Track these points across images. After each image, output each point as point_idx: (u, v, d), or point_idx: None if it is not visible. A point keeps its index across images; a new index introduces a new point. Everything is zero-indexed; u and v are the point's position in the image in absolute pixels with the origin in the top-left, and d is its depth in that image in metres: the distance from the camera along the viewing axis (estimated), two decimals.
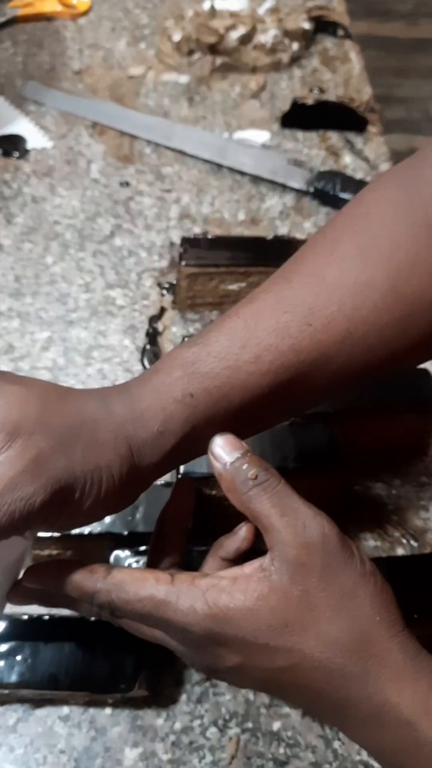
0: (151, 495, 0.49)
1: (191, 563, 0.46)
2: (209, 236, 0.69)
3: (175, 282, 0.68)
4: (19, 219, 0.74)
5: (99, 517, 0.34)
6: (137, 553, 0.47)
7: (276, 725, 0.46)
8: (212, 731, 0.45)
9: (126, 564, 0.46)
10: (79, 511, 0.32)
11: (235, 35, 0.88)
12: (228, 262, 0.64)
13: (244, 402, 0.34)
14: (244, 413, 0.34)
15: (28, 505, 0.29)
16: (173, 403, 0.33)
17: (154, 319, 0.66)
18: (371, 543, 0.53)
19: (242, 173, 0.79)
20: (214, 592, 0.31)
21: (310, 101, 0.84)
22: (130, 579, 0.32)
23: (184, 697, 0.46)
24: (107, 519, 0.48)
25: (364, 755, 0.45)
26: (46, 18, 0.97)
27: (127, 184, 0.78)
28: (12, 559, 0.35)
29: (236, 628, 0.31)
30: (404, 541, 0.53)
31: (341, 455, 0.52)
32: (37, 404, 0.31)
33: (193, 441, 0.34)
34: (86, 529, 0.48)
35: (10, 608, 0.36)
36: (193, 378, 0.33)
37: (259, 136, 0.83)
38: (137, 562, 0.47)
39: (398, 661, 0.31)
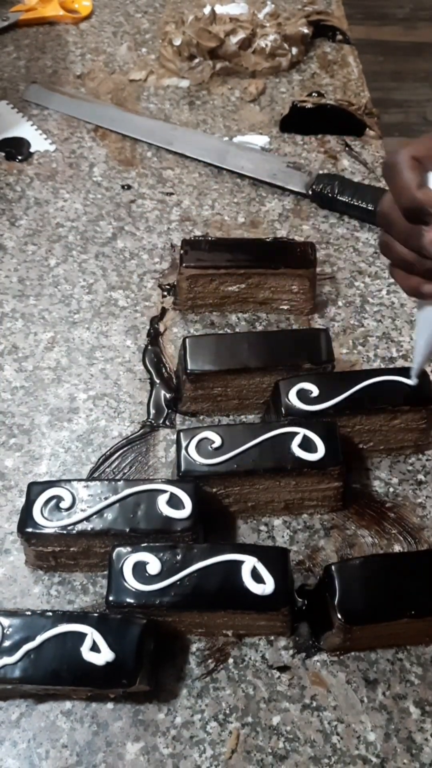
0: (147, 496, 0.50)
1: (192, 560, 0.47)
2: (210, 238, 0.70)
3: (175, 283, 0.68)
4: (23, 221, 0.75)
5: None
6: (138, 550, 0.47)
7: (275, 720, 0.46)
8: (212, 726, 0.46)
9: (126, 560, 0.47)
10: None
11: (235, 40, 0.89)
12: (228, 264, 0.64)
13: None
14: None
15: None
16: None
17: (155, 320, 0.67)
18: (369, 540, 0.54)
19: (242, 176, 0.80)
20: None
21: (309, 105, 0.85)
22: None
23: (184, 691, 0.47)
24: (109, 516, 0.49)
25: (363, 749, 0.45)
26: (49, 22, 0.98)
27: (128, 187, 0.79)
28: None
29: None
30: (401, 538, 0.54)
31: (341, 455, 0.52)
32: None
33: None
34: (89, 526, 0.49)
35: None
36: None
37: (259, 139, 0.84)
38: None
39: None
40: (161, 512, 0.49)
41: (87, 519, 0.49)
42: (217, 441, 0.52)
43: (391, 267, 0.47)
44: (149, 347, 0.65)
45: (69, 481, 0.51)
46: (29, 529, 0.49)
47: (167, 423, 0.60)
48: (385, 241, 0.46)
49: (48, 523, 0.49)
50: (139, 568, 0.47)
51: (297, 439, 0.52)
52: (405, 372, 0.57)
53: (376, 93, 0.95)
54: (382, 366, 0.64)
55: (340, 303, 0.69)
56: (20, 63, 0.92)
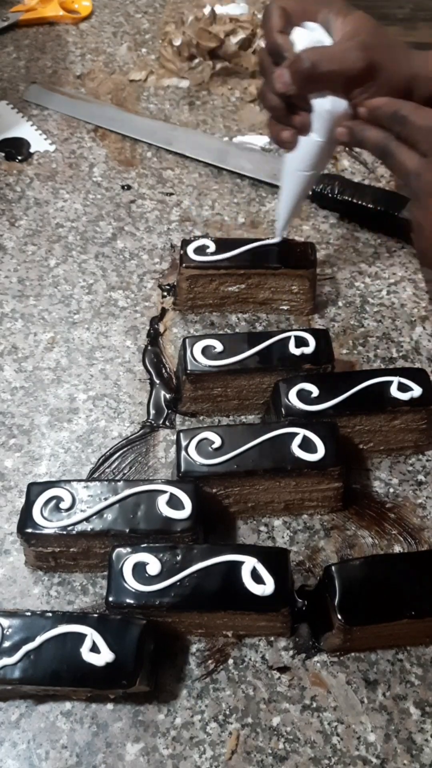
0: (147, 496, 0.50)
1: (192, 560, 0.47)
2: (210, 239, 0.70)
3: (175, 284, 0.68)
4: (23, 222, 0.75)
5: None
6: (138, 550, 0.47)
7: (275, 720, 0.46)
8: (212, 726, 0.46)
9: (126, 560, 0.47)
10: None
11: (235, 40, 0.89)
12: (228, 264, 0.64)
13: None
14: None
15: (354, 61, 0.48)
16: None
17: (155, 320, 0.67)
18: (369, 540, 0.54)
19: (242, 176, 0.80)
20: None
21: None
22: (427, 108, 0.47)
23: (184, 692, 0.47)
24: (109, 516, 0.49)
25: (363, 750, 0.45)
26: (49, 23, 0.98)
27: (128, 187, 0.79)
28: (338, 114, 0.51)
29: None
30: (401, 538, 0.54)
31: (341, 455, 0.52)
32: (375, 26, 0.51)
33: None
34: (89, 527, 0.49)
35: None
36: None
37: (259, 139, 0.84)
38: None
39: None
40: (161, 513, 0.49)
41: (87, 519, 0.49)
42: (217, 441, 0.52)
43: (269, 119, 0.54)
44: (149, 348, 0.65)
45: (69, 481, 0.51)
46: (29, 530, 0.49)
47: (167, 423, 0.60)
48: (262, 89, 0.53)
49: (48, 524, 0.49)
50: (139, 569, 0.47)
51: (297, 440, 0.52)
52: (405, 372, 0.57)
53: None
54: (382, 366, 0.64)
55: (340, 303, 0.69)
56: (20, 63, 0.92)
